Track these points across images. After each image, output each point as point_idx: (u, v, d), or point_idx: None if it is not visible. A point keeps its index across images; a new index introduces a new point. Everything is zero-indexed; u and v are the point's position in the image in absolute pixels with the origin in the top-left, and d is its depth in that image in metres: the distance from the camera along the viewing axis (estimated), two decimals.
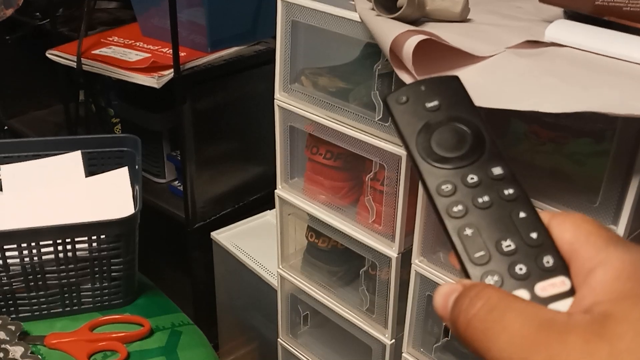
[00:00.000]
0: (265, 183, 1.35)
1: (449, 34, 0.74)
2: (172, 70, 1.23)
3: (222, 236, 1.36)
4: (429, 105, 0.41)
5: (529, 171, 0.81)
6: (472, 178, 0.38)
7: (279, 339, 1.22)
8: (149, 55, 1.29)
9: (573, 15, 0.79)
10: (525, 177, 0.77)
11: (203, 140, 1.36)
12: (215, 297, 1.44)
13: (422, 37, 0.68)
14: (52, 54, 1.36)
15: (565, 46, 0.73)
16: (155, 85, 1.21)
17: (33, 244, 0.75)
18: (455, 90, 0.41)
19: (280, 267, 1.15)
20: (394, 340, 1.00)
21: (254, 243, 1.34)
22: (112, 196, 0.83)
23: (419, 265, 0.91)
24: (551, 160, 0.83)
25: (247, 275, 1.30)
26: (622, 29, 0.72)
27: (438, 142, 0.39)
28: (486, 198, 0.38)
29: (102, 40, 1.39)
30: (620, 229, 0.69)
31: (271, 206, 1.13)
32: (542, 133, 0.85)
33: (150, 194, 1.45)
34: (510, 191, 0.38)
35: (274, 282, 1.19)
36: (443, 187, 0.38)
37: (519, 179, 0.39)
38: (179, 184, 1.47)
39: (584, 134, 0.79)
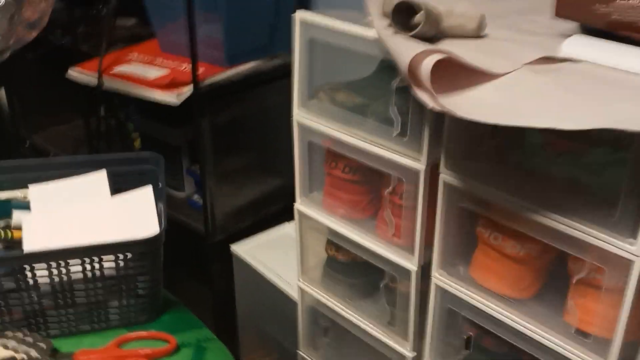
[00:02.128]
0: (284, 195, 1.36)
1: (466, 51, 0.75)
2: (191, 86, 1.25)
3: (242, 249, 1.37)
4: None
5: (546, 184, 0.81)
6: None
7: (299, 352, 1.23)
8: (169, 71, 1.31)
9: (588, 29, 0.80)
10: (542, 190, 0.78)
11: (222, 153, 1.38)
12: (236, 310, 1.46)
13: (439, 56, 0.69)
14: (73, 72, 1.38)
15: (582, 61, 0.74)
16: (175, 103, 1.22)
17: (62, 263, 0.77)
18: None
19: (300, 280, 1.16)
20: (415, 353, 1.01)
21: (273, 255, 1.35)
22: (137, 215, 0.84)
23: (439, 278, 0.92)
24: (568, 171, 0.84)
25: (267, 288, 1.31)
26: (638, 44, 0.73)
27: None
28: None
29: (122, 57, 1.41)
30: (639, 243, 0.69)
31: (290, 218, 1.15)
32: (559, 143, 0.85)
33: (170, 207, 1.46)
34: None
35: (294, 294, 1.20)
36: None
37: None
38: (199, 197, 1.48)
39: (601, 143, 0.79)
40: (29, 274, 0.77)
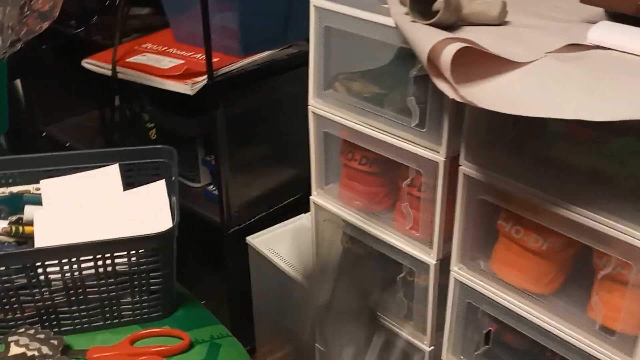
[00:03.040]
0: (300, 186, 1.34)
1: (487, 38, 0.72)
2: (205, 76, 1.23)
3: (258, 240, 1.36)
4: None
5: (569, 175, 0.79)
6: None
7: (316, 344, 1.22)
8: (183, 61, 1.30)
9: (615, 15, 0.77)
10: (565, 182, 0.76)
11: (237, 144, 1.36)
12: (252, 301, 1.45)
13: (460, 45, 0.66)
14: (87, 63, 1.37)
15: (609, 49, 0.71)
16: (189, 92, 1.21)
17: (73, 259, 0.76)
18: None
19: None
20: (433, 347, 0.99)
21: (289, 247, 1.34)
22: (149, 210, 0.83)
23: (458, 272, 0.90)
24: (592, 161, 0.81)
25: (283, 280, 1.30)
26: None
27: None
28: None
29: (136, 47, 1.39)
30: None
31: (306, 209, 1.13)
32: (581, 132, 0.83)
33: (185, 198, 1.46)
34: None
35: None
36: None
37: None
38: (214, 188, 1.47)
39: (627, 132, 0.77)
40: (41, 270, 0.77)
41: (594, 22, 0.74)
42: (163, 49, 1.38)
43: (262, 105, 1.41)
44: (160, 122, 1.56)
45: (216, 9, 1.27)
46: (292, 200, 1.49)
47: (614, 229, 0.71)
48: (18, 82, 1.77)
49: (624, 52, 0.70)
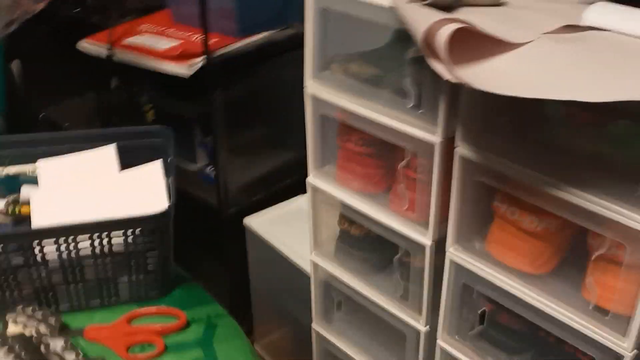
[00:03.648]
0: (298, 168, 1.34)
1: (483, 19, 0.72)
2: (202, 57, 1.23)
3: (255, 222, 1.37)
4: None
5: (565, 157, 0.79)
6: None
7: (312, 325, 1.22)
8: (180, 42, 1.29)
9: None
10: (561, 163, 0.76)
11: (235, 126, 1.37)
12: (250, 282, 1.46)
13: (455, 25, 0.66)
14: (83, 45, 1.37)
15: (606, 30, 0.71)
16: (186, 73, 1.21)
17: (70, 239, 0.77)
18: None
19: (313, 254, 1.15)
20: (428, 327, 1.00)
21: (287, 229, 1.34)
22: (146, 190, 0.84)
23: (454, 253, 0.90)
24: (589, 144, 0.81)
25: (280, 262, 1.30)
26: None
27: None
28: None
29: (133, 28, 1.39)
30: None
31: (303, 191, 1.13)
32: (581, 115, 0.83)
33: (183, 180, 1.46)
34: None
35: (307, 268, 1.19)
36: None
37: None
38: (211, 170, 1.47)
39: (625, 115, 0.77)
40: (38, 250, 0.77)
41: (591, 3, 0.74)
42: (161, 29, 1.38)
43: (259, 87, 1.41)
44: (158, 104, 1.56)
45: None
46: (289, 182, 1.50)
47: (608, 210, 0.71)
48: (15, 64, 1.76)
49: (621, 32, 0.70)
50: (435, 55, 0.68)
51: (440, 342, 0.99)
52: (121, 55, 1.31)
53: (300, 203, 1.43)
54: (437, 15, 0.69)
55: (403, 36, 0.85)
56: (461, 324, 0.96)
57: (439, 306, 0.96)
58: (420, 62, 0.84)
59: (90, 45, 1.37)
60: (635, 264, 0.72)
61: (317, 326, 1.22)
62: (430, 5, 0.74)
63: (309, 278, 1.18)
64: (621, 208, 0.70)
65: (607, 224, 0.72)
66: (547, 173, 0.76)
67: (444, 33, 0.66)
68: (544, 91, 0.62)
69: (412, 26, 0.72)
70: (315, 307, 1.20)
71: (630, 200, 0.70)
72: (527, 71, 0.65)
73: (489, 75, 0.65)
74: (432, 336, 1.00)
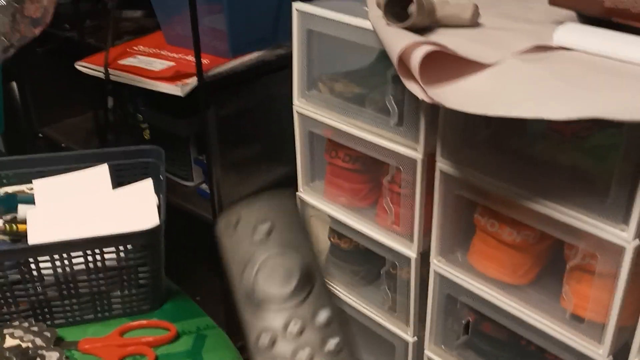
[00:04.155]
0: (290, 183, 1.37)
1: (457, 40, 0.75)
2: (195, 77, 1.26)
3: None
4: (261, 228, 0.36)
5: (542, 170, 0.82)
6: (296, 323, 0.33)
7: None
8: (173, 64, 1.33)
9: (584, 17, 0.79)
10: (537, 177, 0.78)
11: (228, 143, 1.39)
12: None
13: (429, 48, 0.69)
14: (80, 66, 1.40)
15: (574, 49, 0.74)
16: (180, 94, 1.24)
17: (65, 255, 0.80)
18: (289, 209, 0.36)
19: None
20: (416, 338, 1.02)
21: None
22: (137, 207, 0.86)
23: (438, 265, 0.93)
24: (569, 156, 0.84)
25: None
26: (633, 31, 0.72)
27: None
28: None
29: (128, 49, 1.42)
30: (631, 230, 0.70)
31: None
32: (565, 129, 0.85)
33: (179, 196, 1.49)
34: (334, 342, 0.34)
35: None
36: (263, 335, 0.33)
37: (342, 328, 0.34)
38: (207, 186, 1.50)
39: (607, 125, 0.78)
40: (34, 266, 0.80)
41: (562, 24, 0.77)
42: (154, 51, 1.41)
43: (252, 105, 1.44)
44: (154, 123, 1.59)
45: (205, 12, 1.30)
46: None
47: (581, 221, 0.74)
48: (14, 84, 1.80)
49: (589, 52, 0.73)
50: (411, 76, 0.71)
51: (427, 352, 1.01)
52: (117, 76, 1.34)
53: None
54: (412, 38, 0.72)
55: (385, 56, 0.89)
56: (447, 334, 0.99)
57: (425, 317, 0.99)
58: (400, 81, 0.88)
59: (86, 67, 1.40)
60: (608, 273, 0.74)
61: None
62: (408, 27, 0.77)
63: None
64: (592, 219, 0.73)
65: (579, 235, 0.75)
66: (524, 186, 0.79)
67: (418, 55, 0.69)
68: (513, 109, 0.65)
69: (389, 48, 0.75)
70: None
71: (600, 211, 0.72)
72: (497, 90, 0.68)
73: (461, 95, 0.68)
74: (420, 346, 1.02)
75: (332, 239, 1.14)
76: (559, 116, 0.63)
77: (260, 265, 0.35)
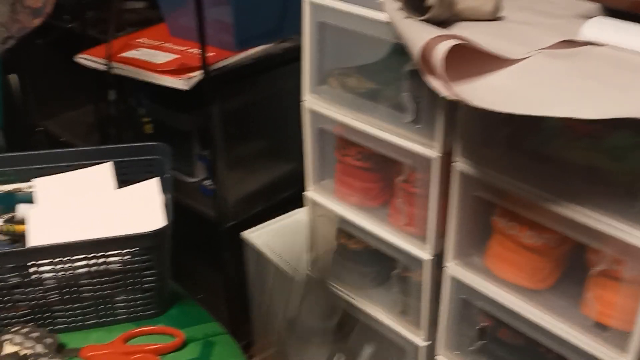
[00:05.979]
0: (296, 181, 1.34)
1: (480, 34, 0.72)
2: (200, 71, 1.23)
3: (253, 236, 1.36)
4: None
5: (564, 171, 0.78)
6: None
7: None
8: (178, 56, 1.29)
9: (610, 10, 0.76)
10: (560, 178, 0.75)
11: (233, 139, 1.36)
12: (248, 295, 1.45)
13: (452, 42, 0.66)
14: (81, 58, 1.37)
15: (603, 45, 0.71)
16: (184, 87, 1.20)
17: (66, 258, 0.76)
18: None
19: (311, 267, 1.14)
20: (428, 342, 0.99)
21: (285, 242, 1.33)
22: (142, 208, 0.83)
23: (452, 268, 0.90)
24: (588, 156, 0.81)
25: (279, 275, 1.29)
26: None
27: None
28: None
29: (130, 42, 1.39)
30: None
31: (302, 204, 1.13)
32: (578, 127, 0.82)
33: (181, 193, 1.46)
34: None
35: None
36: None
37: None
38: (210, 183, 1.47)
39: (624, 126, 0.76)
40: (34, 270, 0.77)
41: (589, 18, 0.74)
42: (158, 43, 1.38)
43: (257, 100, 1.41)
44: (156, 117, 1.55)
45: (211, 3, 1.26)
46: (288, 196, 1.49)
47: (608, 226, 0.71)
48: (13, 77, 1.76)
49: (618, 48, 0.70)
50: (432, 72, 0.68)
51: (439, 358, 0.98)
52: (119, 69, 1.31)
53: (299, 216, 1.42)
54: (434, 32, 0.69)
55: (400, 50, 0.85)
56: (461, 339, 0.96)
57: (438, 321, 0.96)
58: (417, 76, 0.84)
59: (88, 59, 1.36)
60: (636, 280, 0.72)
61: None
62: (428, 20, 0.74)
63: None
64: (620, 223, 0.70)
65: (606, 240, 0.72)
66: (545, 188, 0.76)
67: (441, 50, 0.65)
68: (540, 108, 0.61)
69: (408, 42, 0.71)
70: None
71: (629, 215, 0.69)
72: (524, 88, 0.65)
73: (486, 92, 0.65)
74: (431, 351, 1.00)
75: (340, 240, 1.11)
76: (590, 115, 0.60)
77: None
